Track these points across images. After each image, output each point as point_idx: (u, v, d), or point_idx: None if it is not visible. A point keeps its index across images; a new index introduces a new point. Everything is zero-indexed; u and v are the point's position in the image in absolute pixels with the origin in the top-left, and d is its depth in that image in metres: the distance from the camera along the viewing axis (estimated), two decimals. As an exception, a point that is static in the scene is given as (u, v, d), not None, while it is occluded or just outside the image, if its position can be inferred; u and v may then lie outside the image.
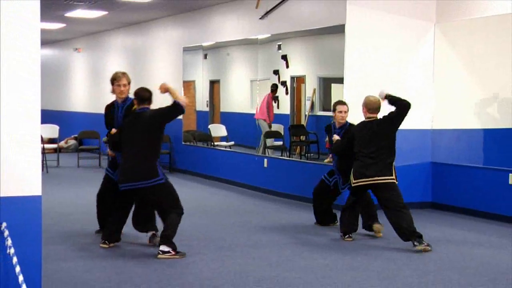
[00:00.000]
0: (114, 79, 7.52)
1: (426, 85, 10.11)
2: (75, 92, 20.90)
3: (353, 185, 7.56)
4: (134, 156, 6.87)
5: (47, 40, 20.64)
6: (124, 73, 7.54)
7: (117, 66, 17.96)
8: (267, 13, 11.38)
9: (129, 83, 7.57)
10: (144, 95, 7.00)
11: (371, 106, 7.64)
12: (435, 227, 8.61)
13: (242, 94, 13.77)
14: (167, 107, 6.93)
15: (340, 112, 8.26)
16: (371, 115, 7.64)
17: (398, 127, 7.66)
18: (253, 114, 12.62)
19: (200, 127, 14.60)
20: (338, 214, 8.15)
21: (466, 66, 9.80)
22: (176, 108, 6.88)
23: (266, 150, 12.21)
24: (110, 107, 7.65)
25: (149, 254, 6.97)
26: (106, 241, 7.22)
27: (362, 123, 7.75)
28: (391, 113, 7.60)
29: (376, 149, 7.48)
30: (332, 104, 8.45)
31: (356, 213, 7.80)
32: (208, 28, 13.47)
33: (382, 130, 7.56)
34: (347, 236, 7.71)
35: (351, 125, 8.18)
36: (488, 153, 9.51)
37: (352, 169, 7.58)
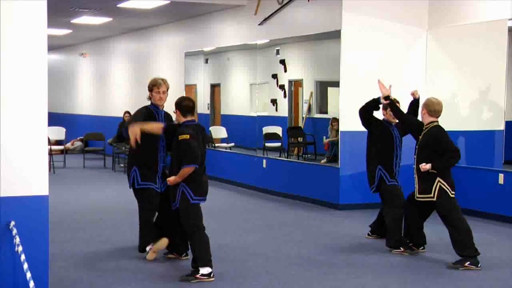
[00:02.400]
0: (154, 85, 6.95)
1: (418, 88, 10.20)
2: (81, 96, 21.02)
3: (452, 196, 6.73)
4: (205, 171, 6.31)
5: (54, 45, 20.78)
6: (164, 80, 7.00)
7: (121, 71, 18.26)
8: (265, 19, 11.54)
9: (167, 90, 7.03)
10: (188, 104, 6.19)
11: (436, 108, 6.83)
12: (428, 225, 8.69)
13: (241, 97, 13.88)
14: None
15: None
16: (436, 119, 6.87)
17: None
18: (253, 117, 12.78)
19: (201, 129, 14.69)
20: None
21: (457, 70, 9.98)
22: None
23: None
24: (146, 113, 6.91)
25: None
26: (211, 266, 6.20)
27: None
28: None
29: None
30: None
31: None
32: (209, 34, 13.60)
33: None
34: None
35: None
36: (479, 154, 9.62)
37: (449, 179, 6.73)
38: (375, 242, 7.78)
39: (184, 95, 13.97)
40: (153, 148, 6.82)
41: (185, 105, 6.16)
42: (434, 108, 6.82)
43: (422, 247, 7.29)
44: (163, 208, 6.83)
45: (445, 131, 6.88)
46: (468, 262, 6.57)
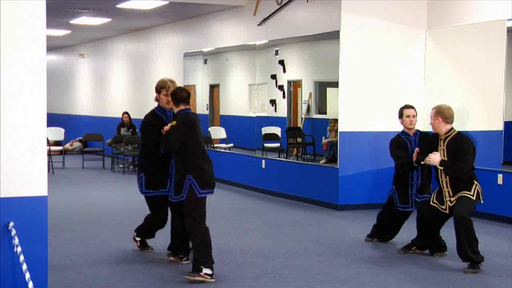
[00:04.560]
0: (162, 88, 6.71)
1: (417, 88, 10.31)
2: (79, 96, 21.05)
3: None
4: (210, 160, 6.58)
5: (53, 46, 20.82)
6: (172, 82, 6.76)
7: (120, 71, 18.28)
8: (264, 20, 11.55)
9: None
10: (181, 95, 6.32)
11: (450, 114, 6.71)
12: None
13: (240, 98, 13.92)
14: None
15: (408, 116, 7.31)
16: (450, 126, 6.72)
17: None
18: (252, 117, 12.80)
19: (200, 130, 14.74)
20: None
21: (455, 70, 10.00)
22: None
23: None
24: (154, 118, 6.76)
25: (150, 255, 7.12)
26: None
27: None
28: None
29: None
30: (398, 110, 7.48)
31: None
32: (208, 34, 13.64)
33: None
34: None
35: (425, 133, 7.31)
36: (477, 154, 9.52)
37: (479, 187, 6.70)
38: (374, 242, 7.79)
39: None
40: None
41: (179, 95, 6.34)
42: (449, 114, 6.66)
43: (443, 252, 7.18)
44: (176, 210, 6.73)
45: (472, 142, 6.74)
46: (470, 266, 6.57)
